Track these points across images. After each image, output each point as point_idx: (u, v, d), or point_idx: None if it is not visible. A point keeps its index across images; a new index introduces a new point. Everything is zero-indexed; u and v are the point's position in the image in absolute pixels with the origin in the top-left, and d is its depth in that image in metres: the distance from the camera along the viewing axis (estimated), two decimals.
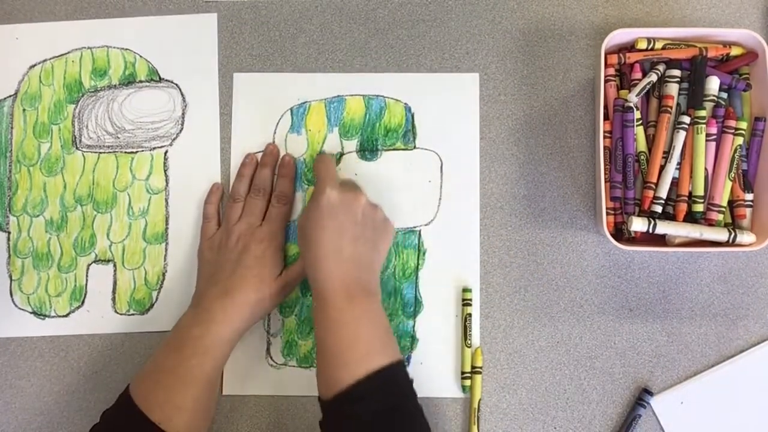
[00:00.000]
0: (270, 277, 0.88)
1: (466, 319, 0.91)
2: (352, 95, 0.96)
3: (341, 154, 0.95)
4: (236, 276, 0.86)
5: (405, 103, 0.95)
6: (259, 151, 0.95)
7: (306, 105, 0.95)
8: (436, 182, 0.94)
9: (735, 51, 0.88)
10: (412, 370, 0.89)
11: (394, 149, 0.95)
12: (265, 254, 0.88)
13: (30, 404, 0.93)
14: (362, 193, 0.86)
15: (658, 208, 0.85)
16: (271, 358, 0.93)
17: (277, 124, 0.95)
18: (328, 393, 0.78)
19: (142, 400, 0.80)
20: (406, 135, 0.95)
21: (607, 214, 0.86)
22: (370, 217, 0.85)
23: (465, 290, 0.92)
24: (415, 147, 0.95)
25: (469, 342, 0.91)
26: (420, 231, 0.94)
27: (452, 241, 0.93)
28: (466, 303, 0.91)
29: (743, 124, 0.86)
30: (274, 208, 0.92)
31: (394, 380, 0.79)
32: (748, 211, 0.87)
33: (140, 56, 0.97)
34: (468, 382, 0.90)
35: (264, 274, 0.87)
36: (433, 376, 0.91)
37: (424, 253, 0.93)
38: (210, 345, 0.83)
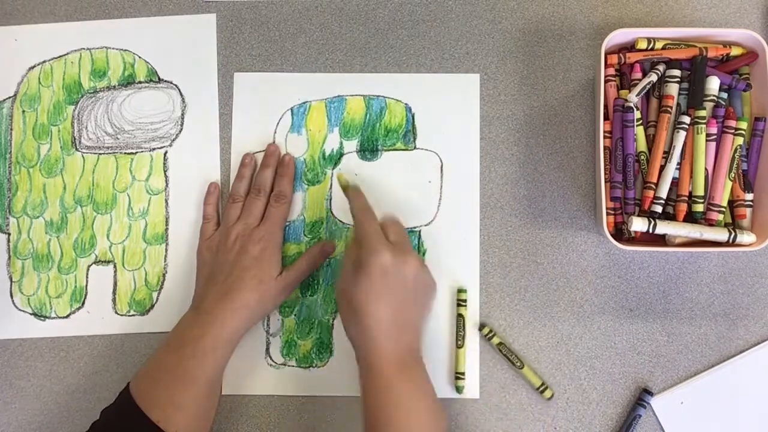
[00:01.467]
0: (269, 277, 0.88)
1: (458, 320, 0.91)
2: (352, 95, 0.95)
3: (341, 155, 0.94)
4: (234, 277, 0.86)
5: (405, 104, 0.95)
6: (260, 151, 0.95)
7: (306, 105, 0.95)
8: (436, 183, 0.94)
9: (735, 51, 0.87)
10: None
11: (394, 149, 0.95)
12: (264, 255, 0.88)
13: (30, 404, 0.93)
14: (414, 254, 0.82)
15: (658, 208, 0.85)
16: (271, 358, 0.93)
17: (278, 123, 0.95)
18: None
19: (141, 399, 0.80)
20: (407, 135, 0.95)
21: (607, 214, 0.86)
22: (421, 279, 0.82)
23: (459, 291, 0.92)
24: (415, 147, 0.95)
25: (460, 343, 0.91)
26: (420, 231, 0.94)
27: (452, 242, 0.93)
28: (460, 303, 0.92)
29: (743, 124, 0.86)
30: (273, 208, 0.91)
31: None
32: (748, 211, 0.87)
33: (139, 57, 0.97)
34: (462, 383, 0.91)
35: (262, 275, 0.87)
36: (432, 376, 0.90)
37: (423, 254, 0.93)
38: (210, 346, 0.83)
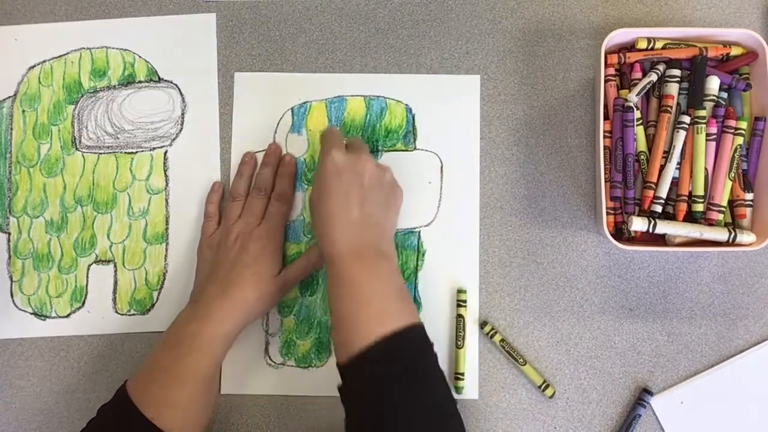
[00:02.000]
0: (268, 275, 0.88)
1: (458, 320, 0.91)
2: (353, 95, 0.95)
3: None
4: (234, 274, 0.86)
5: (406, 104, 0.95)
6: (260, 151, 0.95)
7: (307, 105, 0.95)
8: (436, 183, 0.94)
9: (735, 51, 0.88)
10: None
11: (394, 150, 0.95)
12: (264, 253, 0.88)
13: (30, 404, 0.93)
14: (368, 155, 0.86)
15: (658, 208, 0.85)
16: (270, 357, 0.93)
17: (278, 123, 0.95)
18: (342, 357, 0.77)
19: (137, 396, 0.80)
20: (407, 136, 0.95)
21: (607, 213, 0.86)
22: (378, 178, 0.85)
23: (459, 291, 0.92)
24: (415, 148, 0.95)
25: (460, 343, 0.91)
26: (419, 232, 0.94)
27: (452, 243, 0.93)
28: (460, 304, 0.92)
29: (743, 124, 0.86)
30: (274, 207, 0.92)
31: (408, 344, 0.78)
32: (748, 211, 0.87)
33: (139, 56, 0.97)
34: (462, 383, 0.91)
35: (262, 272, 0.87)
36: None
37: (423, 254, 0.93)
38: (206, 343, 0.83)
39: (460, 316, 0.91)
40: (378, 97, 0.95)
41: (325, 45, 0.96)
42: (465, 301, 0.92)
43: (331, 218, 0.81)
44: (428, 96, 0.95)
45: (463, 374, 0.91)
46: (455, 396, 0.90)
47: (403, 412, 0.74)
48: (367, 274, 0.79)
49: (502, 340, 0.90)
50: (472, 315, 0.92)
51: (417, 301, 0.92)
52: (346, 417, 0.77)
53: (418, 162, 0.94)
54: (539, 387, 0.90)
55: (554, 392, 0.90)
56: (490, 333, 0.91)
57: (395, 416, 0.74)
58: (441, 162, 0.94)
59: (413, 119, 0.95)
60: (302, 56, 0.96)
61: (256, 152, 0.95)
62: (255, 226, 0.90)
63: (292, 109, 0.95)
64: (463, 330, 0.91)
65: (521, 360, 0.90)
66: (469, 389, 0.91)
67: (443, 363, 0.91)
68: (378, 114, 0.95)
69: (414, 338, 0.78)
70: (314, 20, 0.97)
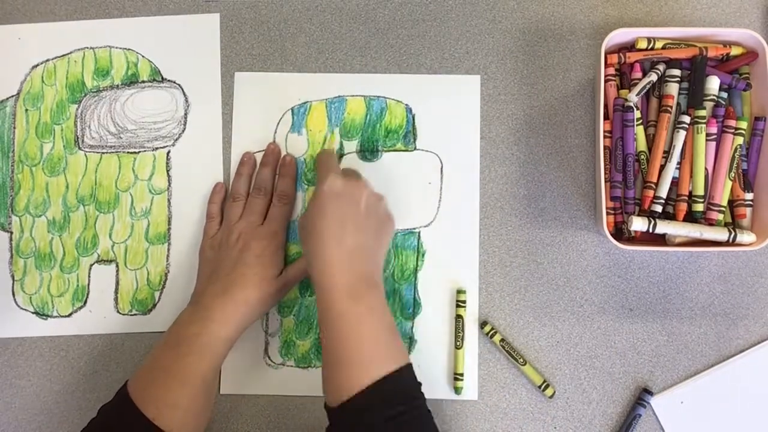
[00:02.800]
0: (270, 275, 0.88)
1: (457, 321, 0.91)
2: (353, 96, 0.96)
3: (342, 155, 0.95)
4: (236, 274, 0.86)
5: (406, 105, 0.95)
6: (260, 151, 0.95)
7: (307, 105, 0.96)
8: (436, 184, 0.94)
9: (735, 51, 0.88)
10: None
11: (394, 150, 0.95)
12: (266, 253, 0.88)
13: (30, 404, 0.93)
14: (365, 183, 0.86)
15: (658, 208, 0.85)
16: (269, 357, 0.93)
17: (278, 123, 0.96)
18: (333, 400, 0.77)
19: (138, 396, 0.80)
20: (407, 136, 0.95)
21: (607, 213, 0.86)
22: (374, 207, 0.85)
23: (459, 291, 0.92)
24: (415, 148, 0.95)
25: (459, 343, 0.91)
26: (419, 232, 0.94)
27: (451, 243, 0.93)
28: (459, 304, 0.92)
29: (743, 124, 0.86)
30: (276, 208, 0.92)
31: (400, 387, 0.78)
32: (748, 211, 0.87)
33: (143, 56, 0.97)
34: (460, 384, 0.91)
35: (264, 272, 0.87)
36: (430, 377, 0.91)
37: (423, 255, 0.93)
38: (207, 343, 0.83)
39: (459, 317, 0.91)
40: (378, 97, 0.96)
41: (325, 45, 0.97)
42: (464, 302, 0.92)
43: (324, 244, 0.80)
44: (428, 96, 0.95)
45: (462, 375, 0.91)
46: (454, 397, 0.91)
47: None
48: (361, 311, 0.79)
49: (502, 340, 0.90)
50: (471, 315, 0.92)
51: (417, 302, 0.92)
52: None
53: (418, 162, 0.94)
54: (539, 387, 0.90)
55: (554, 392, 0.90)
56: (490, 333, 0.90)
57: None
58: (441, 162, 0.94)
59: (413, 119, 0.95)
60: (302, 56, 0.97)
61: (256, 152, 0.95)
62: (257, 225, 0.90)
63: (292, 109, 0.96)
64: (462, 330, 0.91)
65: (521, 360, 0.90)
66: (469, 390, 0.91)
67: (443, 363, 0.91)
68: (378, 114, 0.95)
69: (406, 381, 0.78)
70: (314, 20, 0.97)
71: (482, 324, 0.91)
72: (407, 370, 0.78)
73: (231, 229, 0.90)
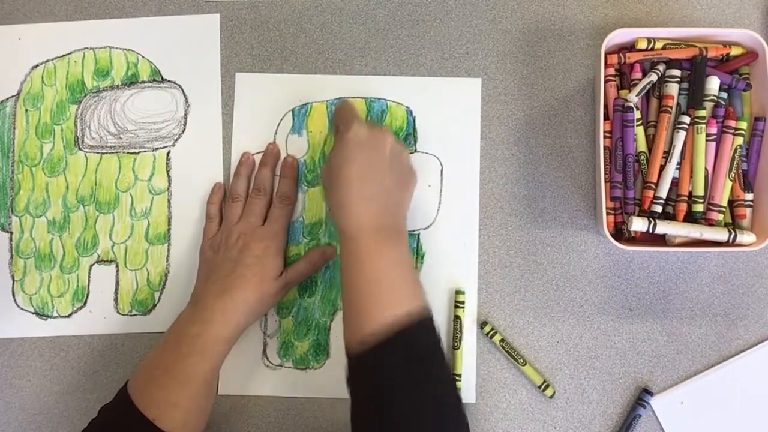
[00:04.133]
0: (270, 276, 0.88)
1: (455, 321, 0.91)
2: (353, 97, 0.96)
3: None
4: (236, 275, 0.86)
5: (406, 107, 0.95)
6: (260, 152, 0.95)
7: (308, 106, 0.96)
8: (436, 186, 0.94)
9: (735, 51, 0.88)
10: None
11: None
12: (266, 253, 0.88)
13: (30, 404, 0.93)
14: (389, 131, 0.85)
15: (658, 208, 0.85)
16: (268, 358, 0.93)
17: (278, 124, 0.96)
18: (353, 338, 0.77)
19: (138, 397, 0.80)
20: (407, 138, 0.95)
21: (607, 214, 0.86)
22: (398, 155, 0.85)
23: (457, 292, 0.92)
24: (415, 151, 0.95)
25: (457, 344, 0.91)
26: (419, 235, 0.94)
27: (451, 245, 0.93)
28: (457, 305, 0.92)
29: (743, 124, 0.86)
30: (277, 209, 0.92)
31: (421, 334, 0.78)
32: (748, 211, 0.87)
33: (143, 57, 0.97)
34: (459, 385, 0.91)
35: (264, 273, 0.87)
36: None
37: (422, 257, 0.93)
38: (207, 344, 0.83)
39: (457, 317, 0.91)
40: (379, 99, 0.96)
41: (325, 45, 0.97)
42: (462, 302, 0.91)
43: (351, 190, 0.81)
44: (429, 99, 0.95)
45: (459, 375, 0.91)
46: None
47: (410, 407, 0.74)
48: (385, 252, 0.80)
49: (502, 340, 0.90)
50: (471, 316, 0.92)
51: None
52: (352, 404, 0.78)
53: (419, 165, 0.93)
54: (539, 387, 0.90)
55: (554, 392, 0.90)
56: (490, 333, 0.90)
57: (402, 409, 0.74)
58: (441, 165, 0.94)
59: (414, 121, 0.95)
60: (303, 56, 0.97)
61: (256, 153, 0.95)
62: (257, 226, 0.90)
63: (292, 110, 0.96)
64: (460, 331, 0.91)
65: (521, 360, 0.90)
66: (467, 391, 0.91)
67: None
68: (378, 116, 0.95)
69: (427, 328, 0.79)
70: (314, 20, 0.97)
71: (482, 324, 0.91)
72: (429, 318, 0.79)
73: (231, 230, 0.90)
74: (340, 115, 0.88)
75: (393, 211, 0.83)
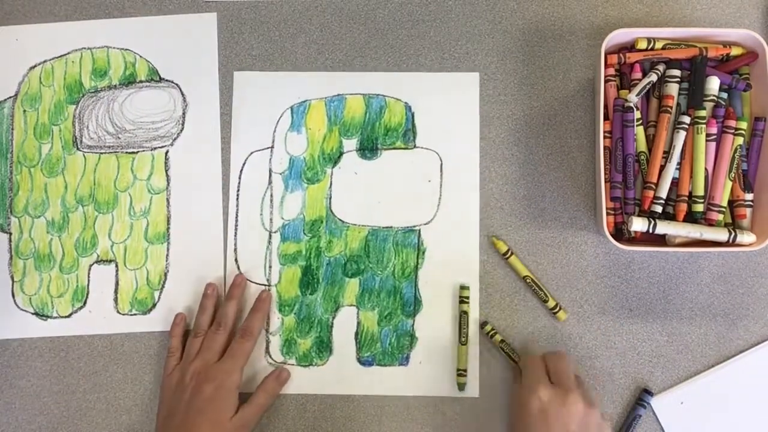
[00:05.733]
0: (223, 418, 0.85)
1: (461, 317, 0.91)
2: (352, 94, 0.96)
3: (341, 153, 0.95)
4: (189, 423, 0.84)
5: (405, 102, 0.95)
6: (260, 150, 0.95)
7: (306, 103, 0.96)
8: (436, 181, 0.94)
9: (735, 51, 0.87)
10: (411, 370, 0.91)
11: (394, 148, 0.95)
12: (218, 395, 0.86)
13: (30, 404, 0.93)
14: (578, 393, 0.81)
15: (658, 208, 0.85)
16: (271, 356, 0.93)
17: (277, 122, 0.95)
18: None
19: None
20: (406, 134, 0.95)
21: (607, 214, 0.86)
22: (586, 424, 0.81)
23: (462, 287, 0.92)
24: (415, 146, 0.95)
25: (464, 339, 0.91)
26: (420, 230, 0.94)
27: (452, 240, 0.93)
28: (462, 300, 0.92)
29: (743, 124, 0.86)
30: (236, 343, 0.89)
31: None
32: (748, 211, 0.87)
33: (140, 56, 0.97)
34: (463, 380, 0.91)
35: (216, 416, 0.85)
36: (433, 375, 0.91)
37: (423, 253, 0.93)
38: None
39: (464, 313, 0.91)
40: (377, 95, 0.95)
41: (325, 45, 0.96)
42: (467, 297, 0.92)
43: None
44: (427, 94, 0.95)
45: (465, 371, 0.91)
46: (456, 394, 0.91)
47: None
48: None
49: (502, 341, 0.90)
50: (472, 314, 0.92)
51: (417, 300, 0.92)
52: None
53: (418, 160, 0.94)
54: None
55: (463, 386, 0.91)
56: (490, 333, 0.91)
57: None
58: (441, 160, 0.94)
59: (412, 117, 0.95)
60: (302, 56, 0.96)
61: (256, 151, 0.95)
62: (212, 363, 0.88)
63: (291, 107, 0.96)
64: (467, 326, 0.91)
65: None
66: (470, 387, 0.91)
67: (444, 361, 0.91)
68: (377, 112, 0.95)
69: None
70: (314, 20, 0.97)
71: (482, 324, 0.91)
72: None
73: (186, 368, 0.88)
74: (526, 370, 0.85)
75: None
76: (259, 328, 0.91)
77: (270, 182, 0.95)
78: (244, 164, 0.96)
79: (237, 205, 0.95)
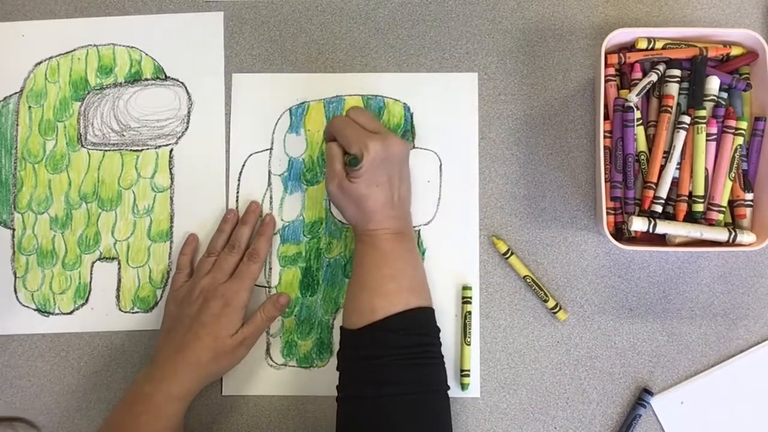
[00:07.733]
0: (224, 334, 0.87)
1: (465, 317, 0.91)
2: (351, 95, 0.96)
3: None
4: (191, 333, 0.86)
5: (404, 103, 0.96)
6: (259, 151, 0.95)
7: (305, 105, 0.96)
8: (435, 182, 0.94)
9: (735, 51, 0.88)
10: None
11: None
12: (223, 311, 0.87)
13: (30, 404, 0.93)
14: (392, 134, 0.86)
15: (659, 208, 0.85)
16: (271, 358, 0.93)
17: (276, 124, 0.96)
18: (359, 322, 0.81)
19: None
20: (405, 135, 0.95)
21: (608, 214, 0.86)
22: (405, 156, 0.87)
23: (465, 288, 0.92)
24: (414, 147, 0.95)
25: (468, 339, 0.91)
26: (419, 230, 0.94)
27: (451, 241, 0.93)
28: (465, 301, 0.91)
29: (743, 124, 0.86)
30: (244, 266, 0.91)
31: (427, 322, 0.84)
32: (748, 211, 0.87)
33: (146, 54, 0.98)
34: (467, 380, 0.90)
35: (218, 331, 0.86)
36: None
37: (423, 253, 0.93)
38: (160, 403, 0.83)
39: (468, 313, 0.91)
40: (376, 96, 0.96)
41: (325, 45, 0.97)
42: (470, 298, 0.92)
43: (377, 209, 0.84)
44: (426, 94, 0.96)
45: (469, 371, 0.91)
46: (461, 394, 0.91)
47: (410, 381, 0.80)
48: (404, 251, 0.85)
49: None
50: (475, 312, 0.92)
51: None
52: (345, 381, 0.82)
53: (417, 161, 0.94)
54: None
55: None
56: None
57: (402, 385, 0.79)
58: (440, 160, 0.95)
59: (411, 118, 0.95)
60: (302, 56, 0.97)
61: (255, 153, 0.96)
62: (221, 282, 0.89)
63: (290, 109, 0.96)
64: (470, 326, 0.91)
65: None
66: (473, 386, 0.91)
67: (447, 361, 0.90)
68: (376, 113, 0.95)
69: (431, 319, 0.85)
70: (314, 20, 0.97)
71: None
72: (432, 312, 0.85)
73: (195, 284, 0.89)
74: (344, 132, 0.85)
75: (407, 211, 0.88)
76: (265, 251, 0.93)
77: (269, 184, 0.96)
78: (243, 166, 0.96)
79: (237, 208, 0.95)
